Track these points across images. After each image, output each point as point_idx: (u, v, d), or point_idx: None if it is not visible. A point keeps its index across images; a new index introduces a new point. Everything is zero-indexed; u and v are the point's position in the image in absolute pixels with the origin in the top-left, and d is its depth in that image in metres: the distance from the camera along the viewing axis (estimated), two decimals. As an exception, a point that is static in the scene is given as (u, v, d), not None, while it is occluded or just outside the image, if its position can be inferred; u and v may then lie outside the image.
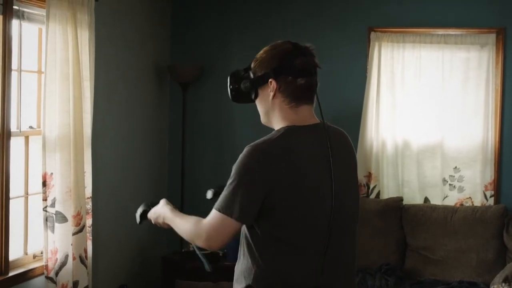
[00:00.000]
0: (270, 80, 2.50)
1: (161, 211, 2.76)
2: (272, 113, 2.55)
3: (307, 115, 2.53)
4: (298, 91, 2.50)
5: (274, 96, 2.51)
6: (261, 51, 2.58)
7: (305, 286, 2.42)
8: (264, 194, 2.37)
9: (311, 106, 2.55)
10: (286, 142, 2.42)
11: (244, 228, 2.48)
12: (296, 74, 2.48)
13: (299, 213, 2.39)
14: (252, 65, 2.58)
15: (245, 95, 2.60)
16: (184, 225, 2.60)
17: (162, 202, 2.81)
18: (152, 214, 2.82)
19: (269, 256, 2.42)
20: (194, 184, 6.06)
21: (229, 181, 2.45)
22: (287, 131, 2.46)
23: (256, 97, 2.57)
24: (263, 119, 2.63)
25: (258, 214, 2.40)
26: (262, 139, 2.44)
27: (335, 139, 2.54)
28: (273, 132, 2.50)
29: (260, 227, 2.42)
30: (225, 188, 2.44)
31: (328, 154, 2.45)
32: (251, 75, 2.57)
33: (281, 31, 5.80)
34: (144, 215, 2.90)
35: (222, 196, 2.44)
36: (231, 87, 2.64)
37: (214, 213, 2.44)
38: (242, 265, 2.51)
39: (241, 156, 2.44)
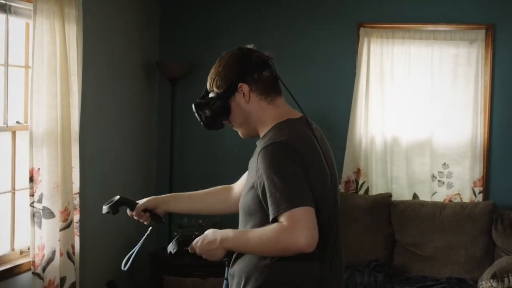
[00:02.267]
0: (239, 85, 2.51)
1: (216, 235, 2.47)
2: (252, 118, 2.54)
3: (287, 107, 2.57)
4: (268, 84, 2.53)
5: (249, 99, 2.52)
6: (212, 70, 2.59)
7: (315, 275, 2.41)
8: (307, 180, 2.32)
9: (282, 98, 2.58)
10: (297, 132, 2.44)
11: (256, 223, 2.43)
12: (259, 69, 2.51)
13: (316, 199, 2.35)
14: (210, 85, 2.58)
15: (218, 116, 2.56)
16: (261, 237, 2.34)
17: (210, 230, 2.52)
18: (199, 241, 2.50)
19: None
20: (182, 180, 6.05)
21: (274, 180, 2.30)
22: (289, 124, 2.47)
23: (229, 111, 2.55)
24: (243, 132, 2.61)
25: None
26: (276, 135, 2.41)
27: (317, 132, 2.57)
28: (276, 129, 2.47)
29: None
30: (274, 190, 2.29)
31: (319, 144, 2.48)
32: (217, 93, 2.55)
33: (271, 29, 5.79)
34: (181, 247, 2.57)
35: (279, 196, 2.27)
36: (201, 116, 2.60)
37: (289, 213, 2.25)
38: (251, 262, 2.45)
39: (269, 154, 2.35)
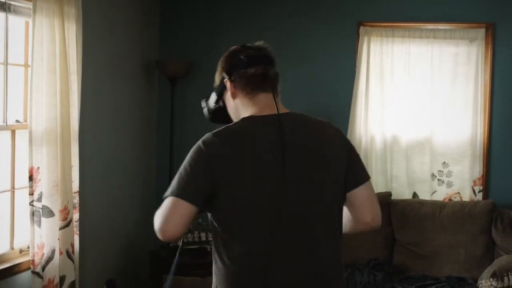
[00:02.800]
0: (224, 80, 2.55)
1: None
2: (238, 113, 2.56)
3: (265, 104, 2.51)
4: (251, 80, 2.52)
5: (233, 94, 2.55)
6: None
7: (255, 283, 2.36)
8: (209, 179, 2.37)
9: (270, 95, 2.52)
10: (239, 130, 2.45)
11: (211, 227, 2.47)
12: (245, 65, 2.53)
13: (240, 203, 2.36)
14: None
15: (217, 109, 2.65)
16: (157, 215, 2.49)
17: None
18: None
19: (224, 252, 2.39)
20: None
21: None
22: (242, 121, 2.48)
23: (224, 105, 2.61)
24: None
25: (210, 206, 2.39)
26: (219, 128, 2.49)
27: (302, 128, 2.49)
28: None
29: (214, 221, 2.42)
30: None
31: (286, 143, 2.40)
32: (215, 87, 2.63)
33: (271, 29, 5.79)
34: None
35: (171, 184, 2.42)
36: (204, 108, 2.71)
37: (165, 200, 2.41)
38: (213, 266, 2.49)
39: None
